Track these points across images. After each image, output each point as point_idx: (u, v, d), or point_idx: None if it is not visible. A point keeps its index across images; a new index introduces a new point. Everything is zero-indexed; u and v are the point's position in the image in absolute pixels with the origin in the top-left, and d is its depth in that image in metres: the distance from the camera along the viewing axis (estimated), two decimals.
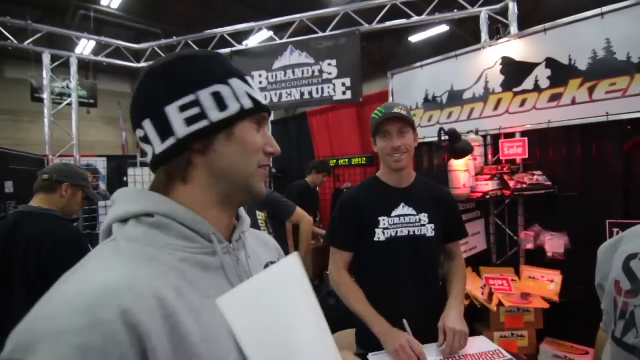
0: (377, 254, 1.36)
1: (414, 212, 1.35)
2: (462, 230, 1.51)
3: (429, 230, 1.34)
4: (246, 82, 0.58)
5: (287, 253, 2.21)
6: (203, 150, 0.54)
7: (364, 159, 3.86)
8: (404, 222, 1.34)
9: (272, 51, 3.34)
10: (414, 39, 9.77)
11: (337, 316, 3.27)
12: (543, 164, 2.58)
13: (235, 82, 0.56)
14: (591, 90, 2.30)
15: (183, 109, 0.53)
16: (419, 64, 3.18)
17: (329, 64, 3.14)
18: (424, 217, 1.35)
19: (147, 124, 0.54)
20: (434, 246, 1.38)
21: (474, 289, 2.39)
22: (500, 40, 2.72)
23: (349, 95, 3.11)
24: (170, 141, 0.53)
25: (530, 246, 2.53)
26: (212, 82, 0.55)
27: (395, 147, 1.30)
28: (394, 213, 1.34)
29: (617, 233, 2.20)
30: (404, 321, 1.19)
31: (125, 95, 12.67)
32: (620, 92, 2.19)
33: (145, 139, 0.55)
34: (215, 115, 0.54)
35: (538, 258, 2.52)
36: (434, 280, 1.41)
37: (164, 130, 0.53)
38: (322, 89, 3.18)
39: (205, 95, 0.54)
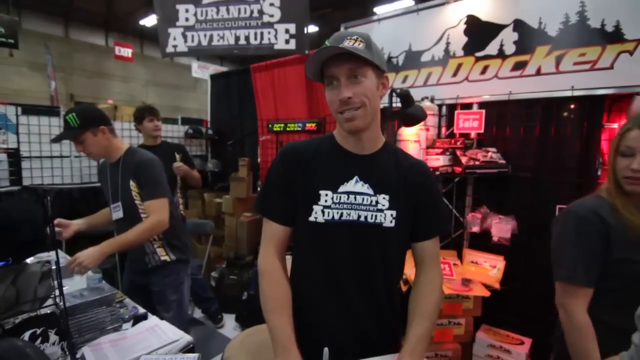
0: (310, 240, 0.98)
1: (370, 191, 0.96)
2: (441, 222, 1.05)
3: (388, 219, 0.95)
4: None
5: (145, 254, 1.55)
6: None
7: (314, 124, 3.42)
8: (353, 202, 0.95)
9: None
10: (379, 10, 9.37)
11: None
12: (498, 141, 2.35)
13: None
14: (558, 60, 2.05)
15: None
16: (376, 17, 2.77)
17: (271, 4, 2.61)
18: (384, 200, 0.96)
19: None
20: (392, 241, 0.98)
21: (412, 273, 2.17)
22: None
23: (292, 44, 2.64)
24: None
25: (476, 229, 2.33)
26: None
27: (344, 100, 0.88)
28: (342, 188, 0.95)
29: None
30: (325, 351, 0.84)
31: (55, 39, 10.95)
32: (589, 64, 1.96)
33: None
34: None
35: (483, 242, 2.33)
36: (388, 290, 1.02)
37: None
38: (262, 34, 2.66)
39: None
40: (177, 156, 2.75)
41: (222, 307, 3.12)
